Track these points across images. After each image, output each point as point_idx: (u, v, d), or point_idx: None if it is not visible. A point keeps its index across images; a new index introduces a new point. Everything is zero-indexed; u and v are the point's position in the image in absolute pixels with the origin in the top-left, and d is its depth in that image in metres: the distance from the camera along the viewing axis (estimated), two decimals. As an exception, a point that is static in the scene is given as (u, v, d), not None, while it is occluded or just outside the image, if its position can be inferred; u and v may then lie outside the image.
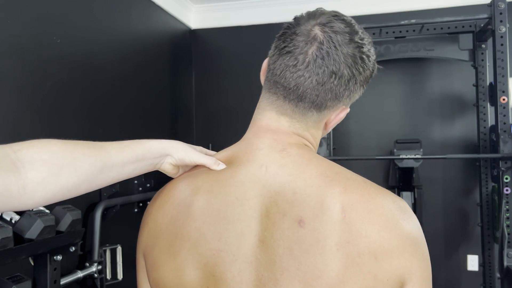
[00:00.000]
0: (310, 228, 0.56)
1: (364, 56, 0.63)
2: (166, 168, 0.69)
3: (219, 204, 0.62)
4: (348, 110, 0.69)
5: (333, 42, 0.61)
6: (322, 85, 0.62)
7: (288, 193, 0.59)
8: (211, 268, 0.59)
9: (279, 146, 0.64)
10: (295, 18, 0.66)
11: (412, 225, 0.59)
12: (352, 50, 0.62)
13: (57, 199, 0.58)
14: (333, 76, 0.61)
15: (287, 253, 0.56)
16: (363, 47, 0.63)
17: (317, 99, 0.63)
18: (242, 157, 0.65)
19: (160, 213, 0.67)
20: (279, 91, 0.65)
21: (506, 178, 2.02)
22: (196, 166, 0.69)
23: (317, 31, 0.62)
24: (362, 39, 0.63)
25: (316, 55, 0.61)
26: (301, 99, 0.63)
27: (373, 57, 0.66)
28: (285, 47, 0.63)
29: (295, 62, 0.62)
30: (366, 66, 0.64)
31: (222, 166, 0.66)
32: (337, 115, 0.68)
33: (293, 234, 0.57)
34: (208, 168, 0.66)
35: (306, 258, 0.55)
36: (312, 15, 0.64)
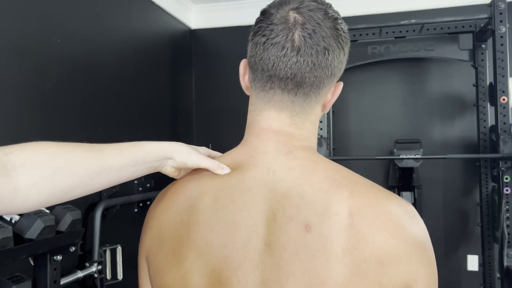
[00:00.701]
0: (317, 233, 0.55)
1: (342, 27, 0.63)
2: (168, 170, 0.68)
3: (226, 211, 0.61)
4: (342, 83, 0.69)
5: (314, 20, 0.60)
6: (319, 65, 0.61)
7: (295, 197, 0.58)
8: (217, 274, 0.59)
9: (285, 149, 0.63)
10: (264, 12, 0.64)
11: (419, 230, 0.58)
12: (331, 23, 0.62)
13: (53, 202, 0.58)
14: (326, 52, 0.61)
15: (293, 257, 0.56)
16: (338, 19, 0.63)
17: (315, 80, 0.62)
18: (248, 161, 0.64)
19: (164, 217, 0.66)
20: (275, 85, 0.63)
21: (506, 178, 2.02)
22: (199, 168, 0.68)
23: (294, 15, 0.61)
24: (335, 12, 0.63)
25: (304, 37, 0.60)
26: (300, 85, 0.62)
27: (346, 28, 0.66)
28: (267, 40, 0.61)
29: (285, 50, 0.60)
30: (347, 36, 0.64)
31: (226, 170, 0.64)
32: (333, 92, 0.68)
33: (299, 238, 0.56)
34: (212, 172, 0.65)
35: (312, 263, 0.55)
36: (281, 2, 0.63)
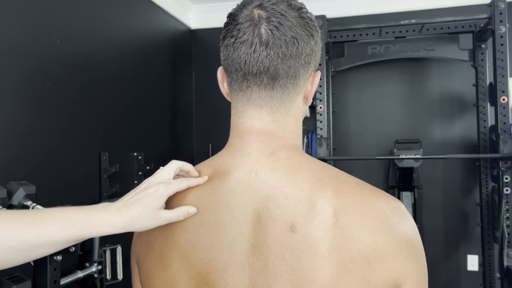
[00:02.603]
0: (302, 233, 0.55)
1: (308, 15, 0.63)
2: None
3: (209, 213, 0.61)
4: (319, 73, 0.68)
5: (278, 12, 0.61)
6: (290, 55, 0.60)
7: (279, 198, 0.58)
8: (204, 277, 0.59)
9: (268, 150, 0.63)
10: (230, 15, 0.65)
11: (407, 227, 0.58)
12: (296, 13, 0.62)
13: None
14: (295, 41, 0.60)
15: (280, 258, 0.56)
16: (302, 9, 0.63)
17: (289, 71, 0.61)
18: (230, 164, 0.64)
19: None
20: (251, 83, 0.63)
21: (506, 178, 2.02)
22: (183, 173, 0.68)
23: (258, 11, 0.61)
24: (298, 2, 0.64)
25: (271, 30, 0.60)
26: (275, 78, 0.61)
27: (313, 16, 0.66)
28: (236, 40, 0.62)
29: (254, 46, 0.60)
30: (315, 24, 0.64)
31: (205, 178, 0.64)
32: (312, 83, 0.67)
33: (285, 239, 0.56)
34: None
35: (298, 264, 0.54)
36: (245, 3, 0.64)
